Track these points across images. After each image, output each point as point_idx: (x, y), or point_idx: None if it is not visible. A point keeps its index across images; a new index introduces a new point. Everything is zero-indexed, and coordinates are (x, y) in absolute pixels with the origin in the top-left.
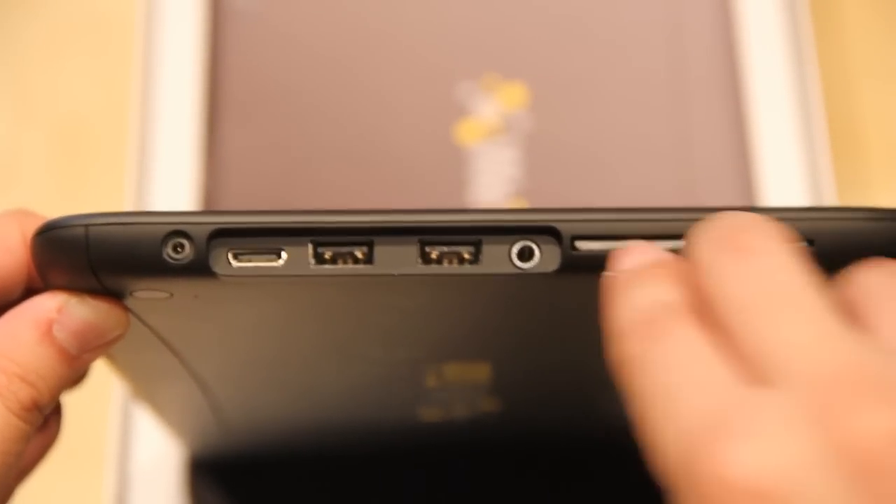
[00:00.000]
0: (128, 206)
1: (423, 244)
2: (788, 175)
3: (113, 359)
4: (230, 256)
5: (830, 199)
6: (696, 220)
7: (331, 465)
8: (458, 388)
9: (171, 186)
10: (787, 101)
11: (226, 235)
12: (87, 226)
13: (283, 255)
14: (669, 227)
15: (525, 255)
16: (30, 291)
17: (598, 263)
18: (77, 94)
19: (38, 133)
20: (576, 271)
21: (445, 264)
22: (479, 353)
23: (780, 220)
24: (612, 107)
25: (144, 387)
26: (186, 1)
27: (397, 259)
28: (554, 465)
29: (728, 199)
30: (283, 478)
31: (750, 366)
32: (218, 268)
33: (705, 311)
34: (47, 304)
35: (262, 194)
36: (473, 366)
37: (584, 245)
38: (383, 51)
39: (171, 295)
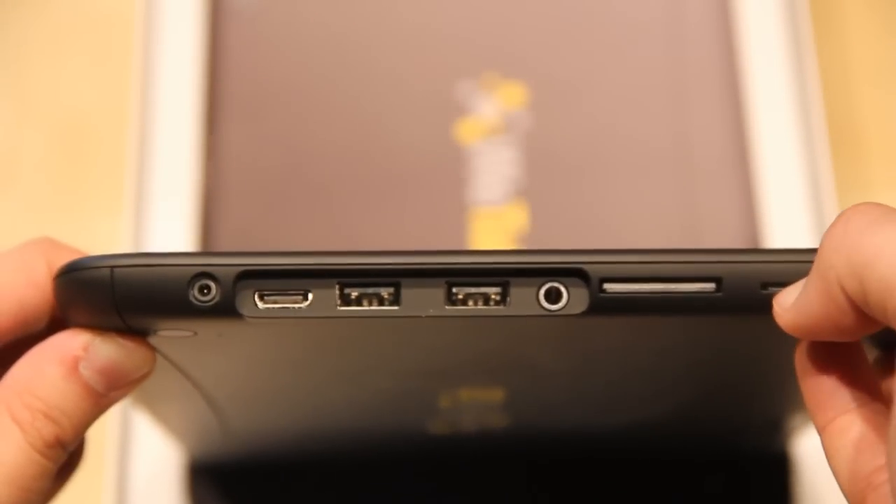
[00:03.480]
0: (127, 206)
1: (449, 286)
2: (788, 176)
3: None
4: (256, 298)
5: (830, 201)
6: (727, 262)
7: (333, 471)
8: (470, 408)
9: (172, 186)
10: (787, 101)
11: (252, 277)
12: (112, 267)
13: (310, 296)
14: (699, 269)
15: (552, 296)
16: (54, 323)
17: (626, 305)
18: (77, 93)
19: (38, 133)
20: (604, 313)
21: (471, 305)
22: (496, 381)
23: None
24: (612, 106)
25: (147, 398)
26: (186, 1)
27: (424, 300)
28: (560, 477)
29: (727, 199)
30: (284, 483)
31: None
32: (244, 309)
33: None
34: (73, 343)
35: (261, 193)
36: (488, 390)
37: (612, 287)
38: (383, 50)
39: (195, 333)
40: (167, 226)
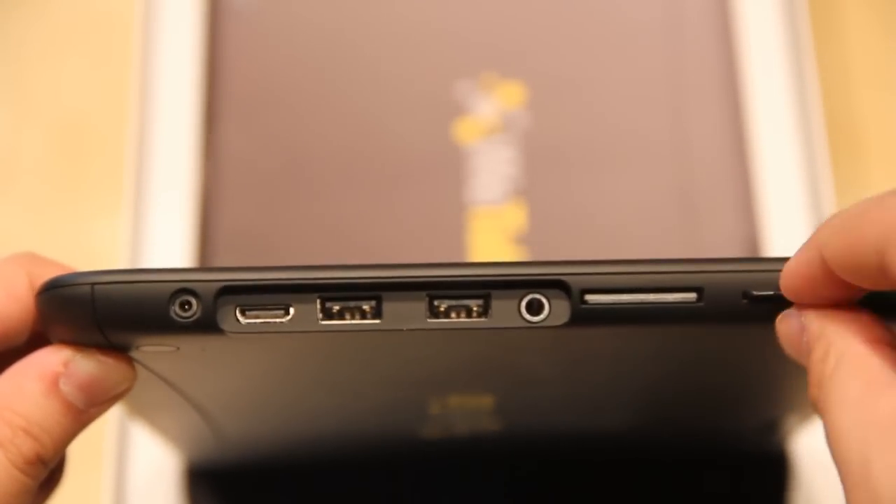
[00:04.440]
0: (126, 206)
1: (431, 298)
2: (787, 176)
3: None
4: (237, 313)
5: (829, 201)
6: (708, 271)
7: (328, 476)
8: (461, 413)
9: (170, 186)
10: (787, 101)
11: (233, 293)
12: (92, 284)
13: (291, 310)
14: (680, 279)
15: (534, 308)
16: (35, 337)
17: (608, 316)
18: (76, 93)
19: (38, 133)
20: (586, 324)
21: (454, 318)
22: (484, 388)
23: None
24: (611, 106)
25: (141, 410)
26: (185, 1)
27: (406, 313)
28: (557, 479)
29: (726, 200)
30: (280, 487)
31: None
32: (225, 324)
33: None
34: (53, 359)
35: (260, 193)
36: (478, 397)
37: (593, 298)
38: (382, 49)
39: (178, 348)
40: (166, 226)
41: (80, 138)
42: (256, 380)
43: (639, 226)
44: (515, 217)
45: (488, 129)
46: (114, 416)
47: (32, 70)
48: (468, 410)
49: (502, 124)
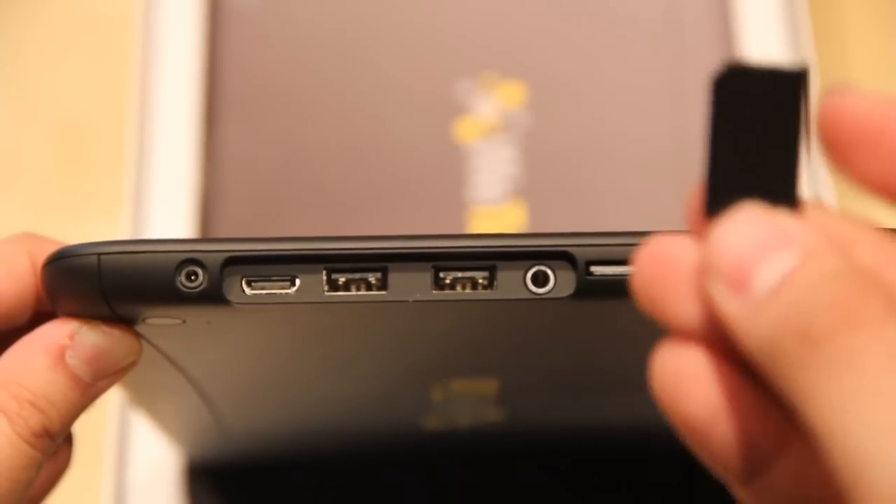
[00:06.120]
0: (126, 206)
1: (437, 270)
2: None
3: None
4: (244, 284)
5: (829, 201)
6: None
7: (331, 471)
8: (464, 401)
9: (170, 186)
10: None
11: (239, 263)
12: (99, 254)
13: (297, 281)
14: None
15: (539, 280)
16: (38, 316)
17: (613, 288)
18: (76, 93)
19: (38, 132)
20: (591, 296)
21: (459, 290)
22: (488, 370)
23: None
24: (611, 105)
25: (144, 396)
26: (185, 1)
27: (411, 285)
28: (555, 473)
29: None
30: (282, 484)
31: None
32: (231, 295)
33: None
34: (59, 331)
35: (260, 193)
36: (481, 381)
37: (599, 270)
38: (382, 49)
39: (184, 321)
40: (166, 226)
41: (80, 138)
42: (261, 360)
43: (639, 225)
44: (515, 217)
45: (488, 128)
46: (114, 412)
47: (32, 70)
48: (471, 397)
49: (502, 124)
